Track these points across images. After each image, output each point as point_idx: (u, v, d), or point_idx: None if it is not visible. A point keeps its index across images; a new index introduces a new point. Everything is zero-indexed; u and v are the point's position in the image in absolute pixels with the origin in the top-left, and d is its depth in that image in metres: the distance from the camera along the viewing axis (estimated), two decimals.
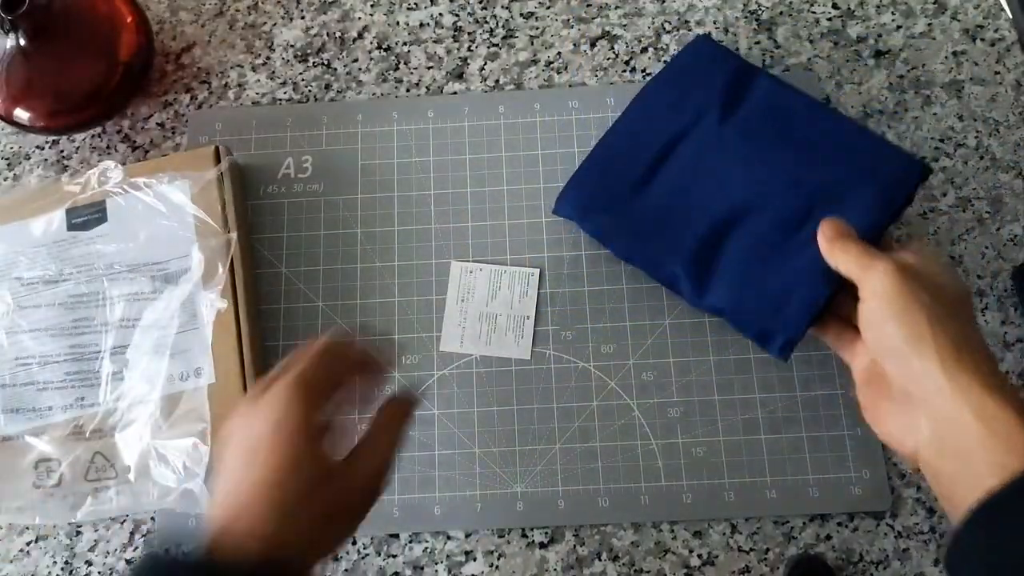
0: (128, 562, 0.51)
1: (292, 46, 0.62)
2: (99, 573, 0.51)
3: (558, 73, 0.60)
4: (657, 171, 0.53)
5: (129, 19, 0.57)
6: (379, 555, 0.50)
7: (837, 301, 0.46)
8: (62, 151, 0.60)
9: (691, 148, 0.53)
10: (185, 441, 0.49)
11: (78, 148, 0.60)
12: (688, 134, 0.53)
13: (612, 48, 0.60)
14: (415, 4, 0.62)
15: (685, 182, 0.52)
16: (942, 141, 0.57)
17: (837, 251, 0.42)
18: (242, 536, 0.33)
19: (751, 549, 0.50)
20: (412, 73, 0.61)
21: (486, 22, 0.62)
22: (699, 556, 0.50)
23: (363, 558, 0.50)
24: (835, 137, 0.51)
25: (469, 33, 0.61)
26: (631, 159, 0.53)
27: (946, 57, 0.59)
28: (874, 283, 0.39)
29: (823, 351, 0.51)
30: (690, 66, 0.54)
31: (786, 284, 0.47)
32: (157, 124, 0.60)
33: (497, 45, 0.61)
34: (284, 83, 0.61)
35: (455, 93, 0.60)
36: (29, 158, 0.60)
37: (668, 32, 0.60)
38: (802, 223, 0.49)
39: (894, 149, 0.50)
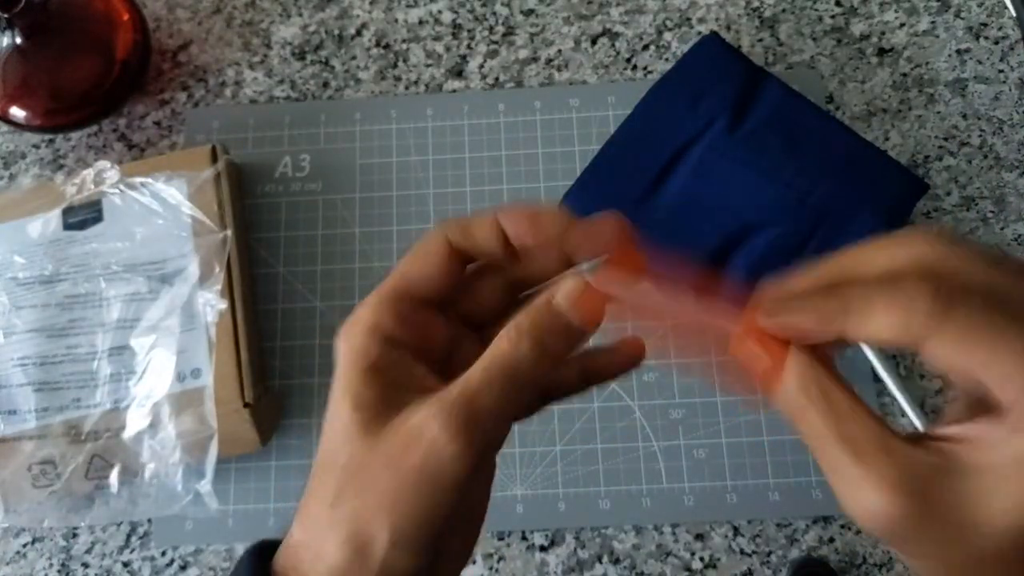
0: (125, 564, 0.51)
1: (290, 44, 0.61)
2: (96, 575, 0.51)
3: (558, 71, 0.59)
4: (665, 178, 0.52)
5: (125, 16, 0.57)
6: None
7: None
8: (58, 150, 0.60)
9: (700, 156, 0.52)
10: (185, 442, 0.49)
11: (74, 147, 0.59)
12: (697, 142, 0.52)
13: (613, 46, 0.60)
14: (414, 1, 0.62)
15: (694, 193, 0.51)
16: (946, 140, 0.57)
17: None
18: None
19: (753, 552, 0.49)
20: (411, 71, 0.60)
21: (485, 19, 0.61)
22: (701, 559, 0.49)
23: None
24: (840, 150, 0.51)
25: (468, 30, 0.61)
26: (639, 163, 0.52)
27: (950, 55, 0.58)
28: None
29: None
30: (699, 68, 0.54)
31: None
32: (153, 123, 0.60)
33: (497, 42, 0.60)
34: (282, 81, 0.60)
35: (454, 91, 0.59)
36: (25, 157, 0.60)
37: (670, 29, 0.60)
38: (804, 244, 0.49)
39: (896, 165, 0.51)
